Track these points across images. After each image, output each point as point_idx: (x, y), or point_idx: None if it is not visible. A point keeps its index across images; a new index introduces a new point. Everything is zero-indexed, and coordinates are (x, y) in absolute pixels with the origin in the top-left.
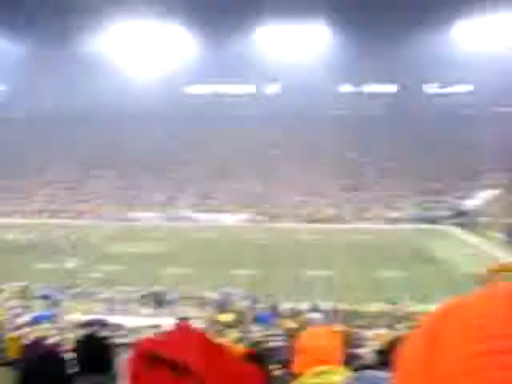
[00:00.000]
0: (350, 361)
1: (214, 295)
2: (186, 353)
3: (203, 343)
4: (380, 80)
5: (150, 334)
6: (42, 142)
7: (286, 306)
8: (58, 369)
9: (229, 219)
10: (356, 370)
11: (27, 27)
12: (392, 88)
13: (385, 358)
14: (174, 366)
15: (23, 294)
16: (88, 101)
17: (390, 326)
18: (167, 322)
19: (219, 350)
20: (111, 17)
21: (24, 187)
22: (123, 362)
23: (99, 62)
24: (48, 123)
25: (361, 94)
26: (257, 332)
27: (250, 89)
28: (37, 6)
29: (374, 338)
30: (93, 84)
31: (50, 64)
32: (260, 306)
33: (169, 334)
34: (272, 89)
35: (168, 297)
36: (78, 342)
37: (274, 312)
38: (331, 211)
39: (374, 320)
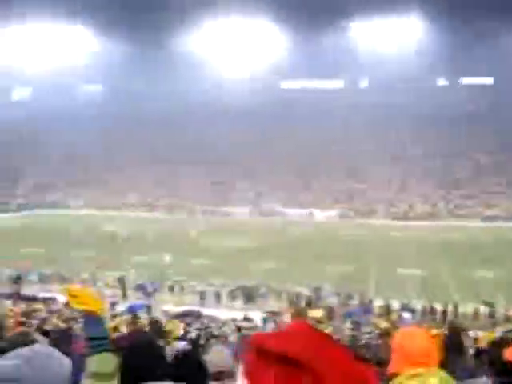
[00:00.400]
0: (447, 363)
1: (305, 290)
2: (305, 349)
3: (321, 340)
4: (475, 73)
5: (241, 326)
6: (134, 140)
7: (377, 303)
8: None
9: (320, 215)
10: (452, 373)
11: (125, 28)
12: (488, 80)
13: (483, 361)
14: (289, 362)
15: (121, 283)
16: (181, 99)
17: (487, 328)
18: (257, 316)
19: (336, 347)
20: (204, 15)
21: (119, 182)
22: (217, 353)
23: (192, 60)
24: (140, 121)
25: (456, 87)
26: (348, 329)
27: (339, 84)
28: (134, 6)
29: (471, 340)
30: (186, 82)
31: (145, 63)
32: (351, 302)
33: (284, 330)
34: (362, 83)
35: (258, 291)
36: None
37: (366, 309)
38: (426, 208)
39: (471, 322)
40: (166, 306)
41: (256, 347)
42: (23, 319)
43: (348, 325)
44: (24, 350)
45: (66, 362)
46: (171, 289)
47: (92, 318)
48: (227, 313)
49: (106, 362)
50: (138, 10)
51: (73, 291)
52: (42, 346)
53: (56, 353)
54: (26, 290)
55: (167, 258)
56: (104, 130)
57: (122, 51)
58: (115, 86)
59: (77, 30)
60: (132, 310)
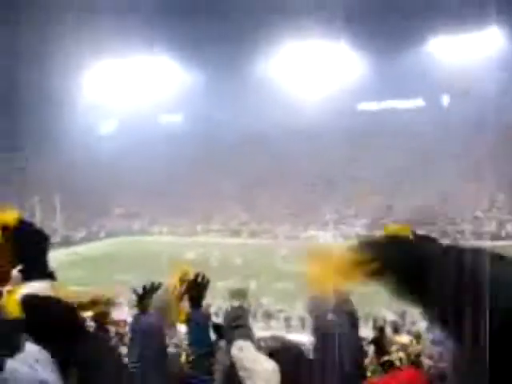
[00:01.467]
0: None
1: (390, 315)
2: None
3: None
4: None
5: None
6: (217, 164)
7: None
8: None
9: None
10: None
11: (201, 54)
12: None
13: None
14: None
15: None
16: (259, 123)
17: None
18: None
19: None
20: (279, 40)
21: (199, 207)
22: None
23: (269, 85)
24: (219, 148)
25: None
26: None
27: (419, 102)
28: (207, 31)
29: None
30: (264, 107)
31: (222, 90)
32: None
33: (396, 377)
34: (444, 101)
35: None
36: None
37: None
38: None
39: None
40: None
41: None
42: None
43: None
44: None
45: None
46: (254, 315)
47: None
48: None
49: None
50: (216, 36)
51: None
52: None
53: None
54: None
55: (252, 284)
56: (186, 158)
57: (203, 80)
58: (196, 115)
59: (159, 62)
60: None
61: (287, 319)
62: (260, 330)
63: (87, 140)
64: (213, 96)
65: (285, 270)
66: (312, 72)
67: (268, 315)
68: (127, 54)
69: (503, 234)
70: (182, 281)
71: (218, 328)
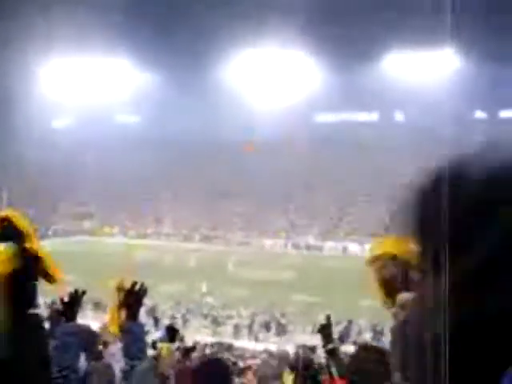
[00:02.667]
0: None
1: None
2: None
3: None
4: None
5: (269, 358)
6: (174, 171)
7: None
8: None
9: (355, 247)
10: None
11: (160, 57)
12: None
13: None
14: None
15: (152, 313)
16: (215, 130)
17: None
18: (289, 349)
19: None
20: (238, 47)
21: (155, 212)
22: None
23: (226, 91)
24: (174, 152)
25: (493, 120)
26: None
27: (374, 116)
28: (168, 35)
29: None
30: (220, 114)
31: (180, 94)
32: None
33: None
34: (397, 116)
35: (290, 324)
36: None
37: None
38: None
39: None
40: (200, 335)
41: None
42: None
43: None
44: None
45: None
46: (205, 318)
47: None
48: (258, 345)
49: None
50: (176, 40)
51: None
52: None
53: None
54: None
55: (204, 287)
56: (141, 161)
57: (160, 84)
58: (153, 117)
59: (116, 63)
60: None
61: (234, 325)
62: (207, 336)
63: (40, 137)
64: (169, 100)
65: (237, 276)
66: (269, 79)
67: (216, 321)
68: (84, 53)
69: None
70: (118, 290)
71: (171, 330)
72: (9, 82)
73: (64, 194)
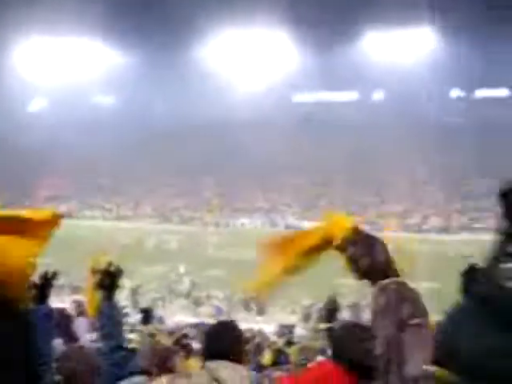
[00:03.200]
0: None
1: (318, 304)
2: None
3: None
4: (493, 85)
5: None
6: (152, 151)
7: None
8: None
9: None
10: None
11: (135, 37)
12: (503, 92)
13: None
14: None
15: (134, 294)
16: (192, 110)
17: None
18: (269, 328)
19: None
20: (216, 26)
21: (133, 193)
22: None
23: (206, 71)
24: (153, 133)
25: (471, 99)
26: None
27: (354, 96)
28: (144, 14)
29: None
30: (198, 93)
31: (157, 75)
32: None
33: (310, 370)
34: (377, 96)
35: (269, 303)
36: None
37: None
38: (439, 221)
39: None
40: (179, 316)
41: None
42: None
43: None
44: None
45: None
46: (184, 299)
47: None
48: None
49: None
50: (153, 20)
51: None
52: None
53: None
54: None
55: (182, 268)
56: (118, 142)
57: (138, 65)
58: (129, 98)
59: (92, 43)
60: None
61: (214, 306)
62: (189, 317)
63: (14, 119)
64: (147, 81)
65: (216, 256)
66: (249, 60)
67: (195, 300)
68: (60, 33)
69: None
70: (93, 271)
71: (145, 312)
72: None
73: (40, 177)
